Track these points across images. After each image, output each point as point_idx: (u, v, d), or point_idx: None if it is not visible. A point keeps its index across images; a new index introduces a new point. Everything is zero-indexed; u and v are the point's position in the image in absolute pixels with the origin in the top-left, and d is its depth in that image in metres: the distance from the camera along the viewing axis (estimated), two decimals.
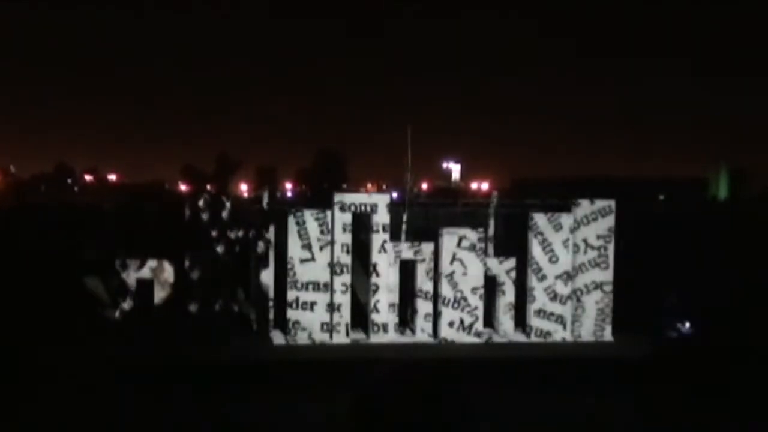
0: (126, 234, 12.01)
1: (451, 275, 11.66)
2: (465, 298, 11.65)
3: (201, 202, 11.32)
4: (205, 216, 11.32)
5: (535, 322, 11.67)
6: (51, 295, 11.53)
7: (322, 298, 11.38)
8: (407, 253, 11.71)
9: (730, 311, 12.28)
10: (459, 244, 11.69)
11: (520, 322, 11.95)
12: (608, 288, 11.79)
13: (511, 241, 12.36)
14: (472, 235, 11.75)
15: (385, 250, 11.50)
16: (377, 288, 11.52)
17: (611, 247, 11.79)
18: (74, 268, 11.80)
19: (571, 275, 11.73)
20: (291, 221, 11.31)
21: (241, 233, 11.25)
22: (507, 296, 11.80)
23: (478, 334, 11.67)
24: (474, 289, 11.65)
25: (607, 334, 11.74)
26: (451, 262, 11.65)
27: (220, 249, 11.20)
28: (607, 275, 11.79)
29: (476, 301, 11.66)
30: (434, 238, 11.78)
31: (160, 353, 10.24)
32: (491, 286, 11.87)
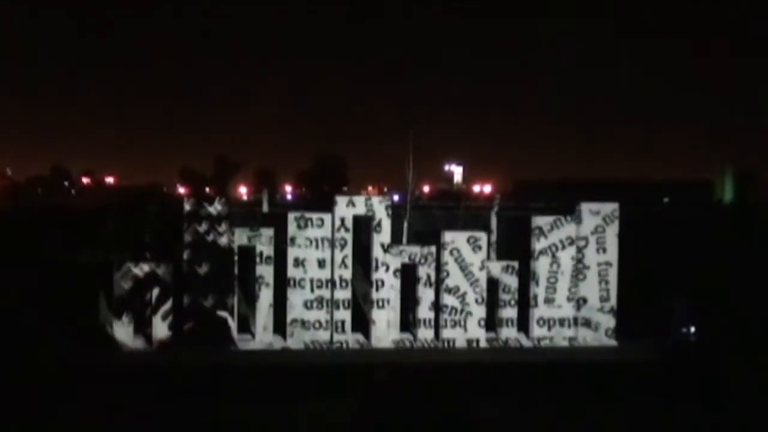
0: (123, 236, 11.91)
1: (452, 278, 11.37)
2: (467, 302, 11.37)
3: (200, 205, 11.23)
4: (204, 219, 11.21)
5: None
6: (50, 297, 11.48)
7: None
8: (408, 256, 11.40)
9: (737, 315, 12.20)
10: (460, 247, 11.44)
11: (523, 325, 11.87)
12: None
13: (514, 244, 12.26)
14: (474, 238, 11.45)
15: (385, 254, 11.31)
16: (378, 292, 11.22)
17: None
18: (72, 271, 11.74)
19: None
20: (290, 224, 11.12)
21: (239, 236, 11.15)
22: (509, 300, 11.67)
23: (480, 338, 11.37)
24: (476, 293, 11.45)
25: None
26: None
27: (217, 252, 11.08)
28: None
29: (479, 305, 11.34)
30: (436, 241, 11.47)
31: (160, 354, 10.15)
32: (493, 289, 11.79)
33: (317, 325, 11.12)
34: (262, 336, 11.06)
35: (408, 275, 11.49)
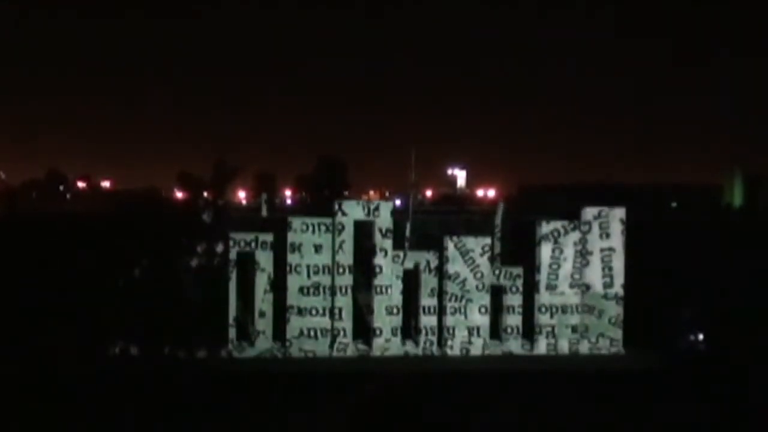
0: (121, 240, 11.76)
1: (455, 284, 11.17)
2: (470, 308, 11.19)
3: (200, 211, 11.16)
4: (202, 224, 11.11)
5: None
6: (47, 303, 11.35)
7: (319, 309, 11.01)
8: (410, 262, 11.27)
9: (743, 323, 12.04)
10: (464, 253, 11.31)
11: (528, 332, 11.68)
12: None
13: (518, 250, 12.08)
14: (477, 243, 11.34)
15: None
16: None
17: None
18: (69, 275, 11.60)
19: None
20: (290, 230, 11.02)
21: (238, 242, 11.02)
22: (513, 306, 11.43)
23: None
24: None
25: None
26: (456, 272, 11.15)
27: (215, 257, 10.93)
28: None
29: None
30: (438, 247, 11.28)
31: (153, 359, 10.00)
32: (497, 295, 11.49)
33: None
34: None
35: (410, 282, 11.34)
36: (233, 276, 10.88)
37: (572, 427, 8.58)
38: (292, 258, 10.92)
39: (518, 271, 11.39)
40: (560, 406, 9.07)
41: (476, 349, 11.22)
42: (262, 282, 10.89)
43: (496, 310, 11.46)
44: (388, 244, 11.06)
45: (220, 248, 10.78)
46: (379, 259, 11.04)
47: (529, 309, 11.41)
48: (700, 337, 11.53)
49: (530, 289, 11.40)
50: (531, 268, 11.44)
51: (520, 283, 11.34)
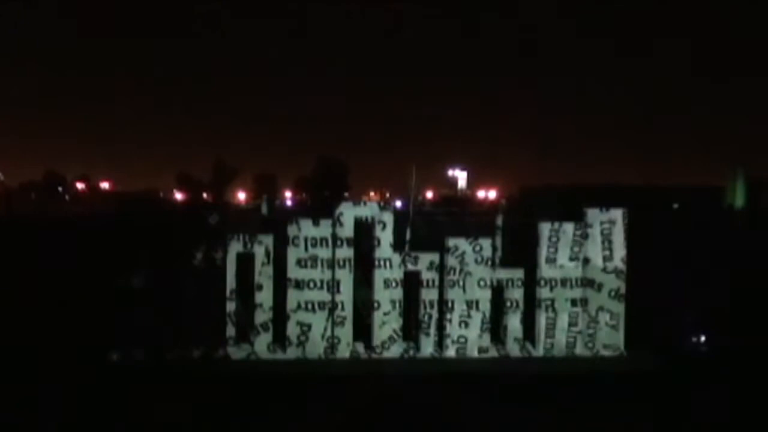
0: (120, 243, 11.74)
1: (456, 287, 11.05)
2: (470, 311, 11.03)
3: (202, 212, 11.12)
4: (201, 226, 11.06)
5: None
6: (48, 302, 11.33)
7: (320, 312, 10.86)
8: (411, 264, 11.14)
9: (746, 323, 11.99)
10: (465, 255, 11.13)
11: (529, 335, 11.64)
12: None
13: (519, 252, 12.04)
14: (478, 245, 11.19)
15: (388, 262, 10.96)
16: (380, 301, 10.91)
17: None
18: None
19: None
20: (290, 232, 10.86)
21: (238, 244, 10.98)
22: (515, 309, 11.26)
23: (483, 349, 11.09)
24: (480, 302, 11.09)
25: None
26: (457, 273, 11.07)
27: (215, 260, 10.88)
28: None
29: (482, 314, 11.05)
30: (439, 248, 11.14)
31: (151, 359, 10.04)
32: (498, 298, 11.34)
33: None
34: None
35: (410, 284, 11.28)
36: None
37: (572, 428, 8.47)
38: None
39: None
40: (560, 407, 8.98)
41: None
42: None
43: (498, 310, 11.39)
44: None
45: (220, 251, 10.71)
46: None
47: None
48: (703, 338, 11.46)
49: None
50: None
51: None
